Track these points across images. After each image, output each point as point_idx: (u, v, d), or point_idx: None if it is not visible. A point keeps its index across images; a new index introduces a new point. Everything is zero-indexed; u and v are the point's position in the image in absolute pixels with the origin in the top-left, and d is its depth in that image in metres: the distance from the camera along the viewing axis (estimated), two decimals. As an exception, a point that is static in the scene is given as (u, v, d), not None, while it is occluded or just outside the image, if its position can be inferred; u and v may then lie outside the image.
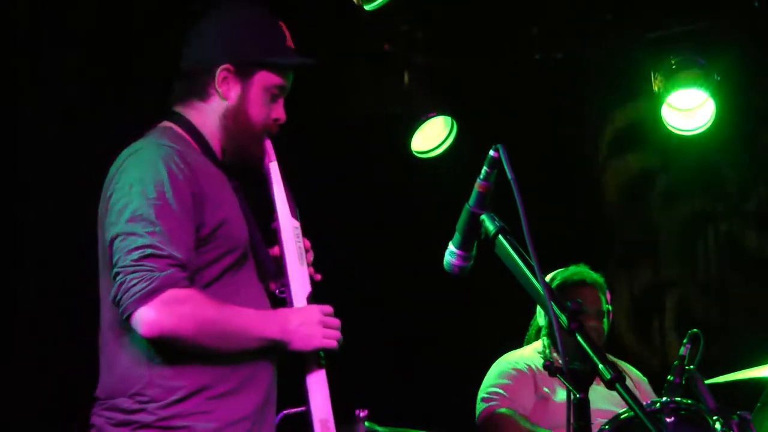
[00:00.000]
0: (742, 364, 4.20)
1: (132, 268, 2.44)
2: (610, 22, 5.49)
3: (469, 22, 5.43)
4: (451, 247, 2.32)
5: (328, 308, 2.69)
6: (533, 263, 2.06)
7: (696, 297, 6.07)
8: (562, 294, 4.26)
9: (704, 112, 5.48)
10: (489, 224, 2.18)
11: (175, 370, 2.52)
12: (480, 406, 4.24)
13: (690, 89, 5.37)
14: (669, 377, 3.88)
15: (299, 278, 2.73)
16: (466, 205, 2.24)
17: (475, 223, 2.22)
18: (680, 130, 5.56)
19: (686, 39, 5.44)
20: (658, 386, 4.25)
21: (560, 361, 1.98)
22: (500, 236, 2.15)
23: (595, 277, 4.45)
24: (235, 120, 2.74)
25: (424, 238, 2.72)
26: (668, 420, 3.54)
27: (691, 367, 3.84)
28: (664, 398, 3.63)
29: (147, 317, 2.43)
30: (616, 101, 6.17)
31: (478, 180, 2.19)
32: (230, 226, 2.63)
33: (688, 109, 5.51)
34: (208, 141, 2.74)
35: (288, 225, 2.76)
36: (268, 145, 2.79)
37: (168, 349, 2.50)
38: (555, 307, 1.99)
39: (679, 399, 3.63)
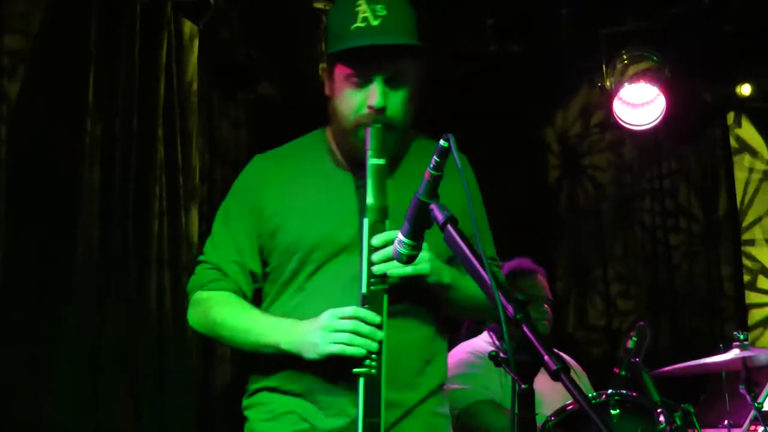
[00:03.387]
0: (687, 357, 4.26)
1: (193, 271, 2.82)
2: (565, 16, 5.52)
3: (424, 12, 5.41)
4: (401, 236, 2.30)
5: (345, 310, 2.51)
6: (481, 253, 2.05)
7: (643, 288, 6.13)
8: (514, 283, 4.31)
9: (655, 107, 5.53)
10: (438, 213, 2.17)
11: (252, 364, 2.75)
12: (455, 397, 4.15)
13: (641, 84, 5.42)
14: (615, 369, 3.92)
15: (364, 277, 2.54)
16: (416, 195, 2.22)
17: (424, 212, 2.21)
18: (631, 124, 5.60)
19: (639, 35, 5.49)
20: (604, 378, 4.29)
21: (506, 352, 1.98)
22: (449, 226, 2.14)
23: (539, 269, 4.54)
24: (333, 116, 2.69)
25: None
26: (613, 412, 3.56)
27: (637, 359, 3.88)
28: (610, 390, 3.66)
29: (187, 313, 2.80)
30: (569, 95, 6.20)
31: (428, 169, 2.18)
32: (287, 232, 2.67)
33: (640, 103, 5.56)
34: (331, 139, 2.75)
35: (362, 222, 2.57)
36: (367, 134, 2.58)
37: None
38: (502, 298, 1.98)
39: (624, 391, 3.65)
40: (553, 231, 6.21)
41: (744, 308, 6.05)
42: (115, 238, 3.85)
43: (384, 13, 2.58)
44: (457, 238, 2.10)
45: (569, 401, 3.62)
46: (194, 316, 2.76)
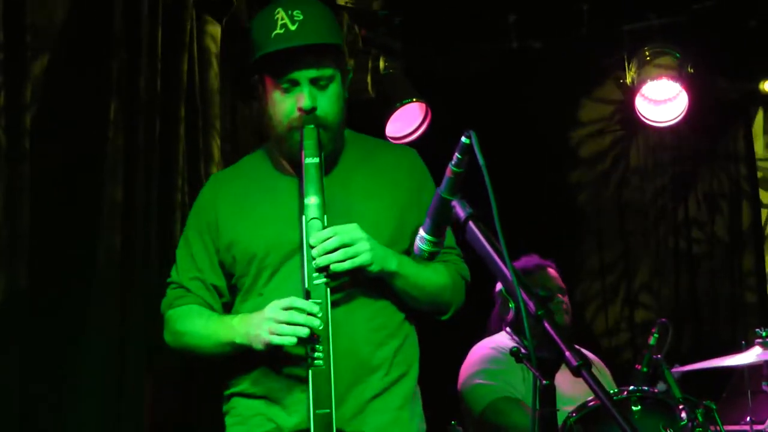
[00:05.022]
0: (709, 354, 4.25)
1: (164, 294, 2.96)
2: (587, 12, 5.51)
3: (447, 8, 5.43)
4: (422, 232, 2.31)
5: (287, 301, 2.61)
6: (503, 250, 2.05)
7: (663, 285, 6.11)
8: (527, 279, 4.30)
9: (677, 103, 5.52)
10: (460, 210, 2.18)
11: (224, 371, 2.85)
12: (479, 392, 4.18)
13: (663, 81, 5.40)
14: (636, 366, 3.91)
15: (301, 275, 2.68)
16: (438, 191, 2.23)
17: (446, 208, 2.21)
18: (653, 121, 5.59)
19: (661, 31, 5.47)
20: (626, 375, 4.28)
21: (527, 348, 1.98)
22: (471, 222, 2.14)
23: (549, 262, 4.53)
24: (268, 123, 2.78)
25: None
26: (634, 408, 3.56)
27: (659, 356, 3.87)
28: (631, 387, 3.65)
29: (163, 334, 2.93)
30: (591, 92, 6.19)
31: (449, 166, 2.19)
32: (241, 243, 2.77)
33: (662, 100, 5.55)
34: (275, 150, 2.85)
35: (301, 220, 2.68)
36: (301, 136, 2.70)
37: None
38: (524, 294, 1.99)
39: (645, 388, 3.65)
40: (575, 231, 6.20)
41: (767, 306, 6.02)
42: (138, 232, 3.87)
43: (301, 17, 2.67)
44: (479, 234, 2.10)
45: (590, 397, 3.62)
46: (167, 335, 2.89)
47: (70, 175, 3.74)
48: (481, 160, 2.10)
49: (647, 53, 5.43)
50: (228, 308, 2.87)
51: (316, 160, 2.66)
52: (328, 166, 2.74)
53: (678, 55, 5.39)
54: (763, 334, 4.01)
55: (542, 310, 1.98)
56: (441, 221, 2.26)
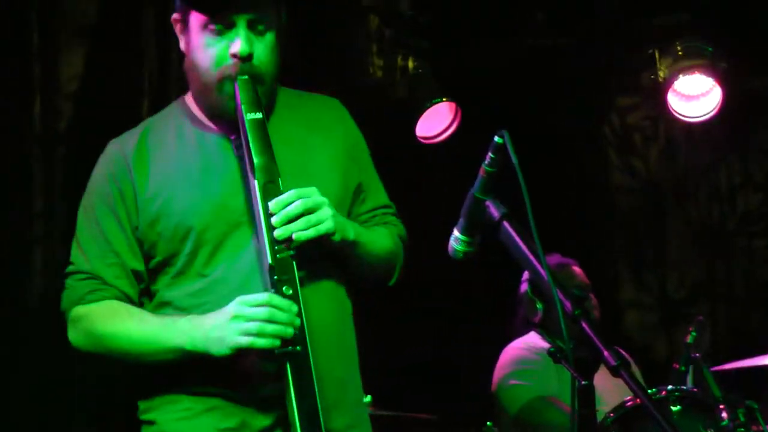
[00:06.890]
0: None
1: (63, 285, 2.49)
2: (617, 8, 5.48)
3: (474, 7, 5.41)
4: (456, 233, 2.29)
5: (257, 297, 2.24)
6: (539, 249, 2.03)
7: (703, 286, 6.06)
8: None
9: (710, 99, 5.47)
10: (494, 210, 2.16)
11: (143, 375, 2.47)
12: (515, 393, 4.15)
13: (696, 76, 5.36)
14: (674, 365, 3.88)
15: (262, 249, 2.28)
16: (471, 191, 2.21)
17: (479, 209, 2.19)
18: (686, 116, 5.54)
19: (693, 26, 5.43)
20: (664, 374, 4.24)
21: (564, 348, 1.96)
22: (505, 222, 2.12)
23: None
24: (191, 71, 2.40)
25: (429, 224, 2.69)
26: (674, 408, 3.52)
27: (697, 354, 3.83)
28: (670, 386, 3.62)
29: (68, 333, 2.46)
30: (622, 88, 6.15)
31: (482, 165, 2.17)
32: (170, 215, 2.37)
33: (694, 95, 5.50)
34: (193, 104, 2.48)
35: (252, 185, 2.30)
36: (237, 88, 2.32)
37: None
38: (560, 294, 1.97)
39: (684, 387, 3.62)
40: (607, 229, 6.16)
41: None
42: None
43: None
44: (514, 234, 2.08)
45: (628, 397, 3.59)
46: (75, 336, 2.43)
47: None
48: (514, 159, 2.07)
49: (678, 48, 5.39)
50: (145, 295, 2.45)
51: (260, 115, 2.29)
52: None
53: (710, 49, 5.34)
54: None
55: (579, 310, 1.96)
56: (475, 221, 2.24)
